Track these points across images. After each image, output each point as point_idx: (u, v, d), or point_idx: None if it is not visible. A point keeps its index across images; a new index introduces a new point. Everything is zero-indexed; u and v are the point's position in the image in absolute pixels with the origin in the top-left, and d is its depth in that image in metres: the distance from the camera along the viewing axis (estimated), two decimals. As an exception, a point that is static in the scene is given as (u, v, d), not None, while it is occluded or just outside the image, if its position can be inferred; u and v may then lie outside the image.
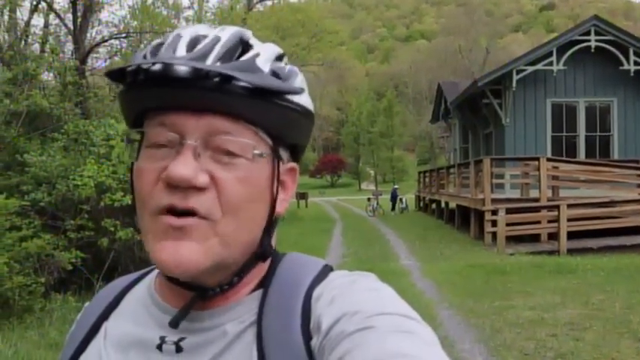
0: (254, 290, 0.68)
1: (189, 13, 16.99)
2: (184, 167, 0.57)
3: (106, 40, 12.81)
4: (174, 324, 0.64)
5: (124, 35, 12.85)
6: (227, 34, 0.63)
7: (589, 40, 14.31)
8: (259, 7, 25.21)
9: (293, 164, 0.70)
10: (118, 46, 13.25)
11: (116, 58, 13.13)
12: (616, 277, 7.96)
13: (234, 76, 0.58)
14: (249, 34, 0.65)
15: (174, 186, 0.58)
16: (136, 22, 13.03)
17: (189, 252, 0.58)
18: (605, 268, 8.68)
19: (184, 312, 0.64)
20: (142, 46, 11.53)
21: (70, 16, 11.93)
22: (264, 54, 0.63)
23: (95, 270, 7.43)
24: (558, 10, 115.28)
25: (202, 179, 0.58)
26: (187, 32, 0.63)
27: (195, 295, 0.64)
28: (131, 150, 0.66)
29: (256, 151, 0.61)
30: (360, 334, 0.54)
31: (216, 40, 0.61)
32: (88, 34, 12.36)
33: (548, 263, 9.19)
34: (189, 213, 0.59)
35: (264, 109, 0.61)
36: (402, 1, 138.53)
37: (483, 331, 5.66)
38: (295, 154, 0.70)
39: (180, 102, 0.59)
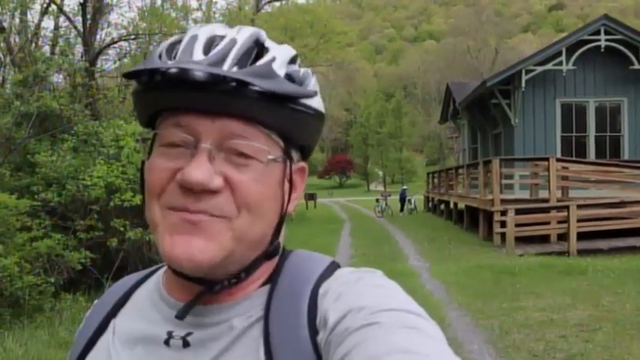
0: (262, 286, 0.68)
1: (198, 14, 17.06)
2: (199, 171, 0.58)
3: (115, 42, 12.89)
4: (180, 316, 0.64)
5: (132, 37, 12.92)
6: (243, 36, 0.63)
7: (599, 40, 14.20)
8: (267, 8, 25.28)
9: (303, 164, 0.71)
10: (127, 48, 13.33)
11: (125, 60, 13.20)
12: (626, 279, 7.89)
13: (250, 82, 0.58)
14: (264, 36, 0.65)
15: (189, 188, 0.59)
16: (144, 24, 13.09)
17: (201, 247, 0.59)
18: (616, 269, 8.61)
19: (191, 304, 0.65)
20: (151, 48, 11.59)
21: (79, 18, 12.02)
22: (280, 57, 0.63)
23: (104, 270, 7.47)
24: (568, 10, 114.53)
25: (217, 182, 0.59)
26: (203, 33, 0.63)
27: (203, 289, 0.65)
28: (143, 149, 0.66)
29: (270, 157, 0.62)
30: (366, 330, 0.54)
31: (233, 42, 0.61)
32: (98, 36, 12.44)
33: (557, 264, 9.12)
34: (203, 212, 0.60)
35: (279, 113, 0.62)
36: (410, 2, 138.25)
37: (492, 332, 5.64)
38: (304, 154, 0.71)
39: (196, 105, 0.60)
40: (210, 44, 0.62)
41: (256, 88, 0.59)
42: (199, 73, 0.57)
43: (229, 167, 0.61)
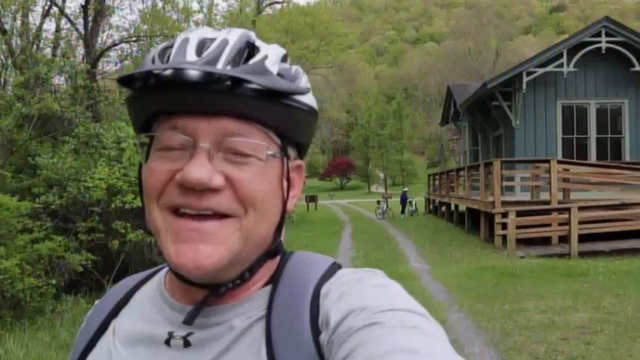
0: (263, 287, 0.68)
1: (199, 16, 17.09)
2: (200, 170, 0.58)
3: (117, 44, 12.93)
4: (188, 320, 0.64)
5: (134, 39, 12.95)
6: (234, 36, 0.63)
7: (600, 42, 14.20)
8: (268, 10, 25.33)
9: (300, 162, 0.71)
10: (129, 50, 13.37)
11: (127, 62, 13.23)
12: (628, 281, 7.88)
13: (246, 79, 0.59)
14: (254, 36, 0.66)
15: (189, 188, 0.59)
16: (146, 26, 13.11)
17: (208, 253, 0.59)
18: (617, 271, 8.60)
19: (198, 308, 0.65)
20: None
21: (81, 20, 12.06)
22: (272, 56, 0.64)
23: (105, 272, 7.48)
24: (569, 12, 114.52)
25: (218, 181, 0.59)
26: (195, 35, 0.64)
27: (208, 293, 0.65)
28: (141, 153, 0.67)
29: (269, 152, 0.63)
30: (368, 330, 0.54)
31: (225, 43, 0.62)
32: (99, 38, 12.49)
33: (559, 266, 9.12)
34: (206, 215, 0.60)
35: (274, 110, 0.62)
36: (411, 4, 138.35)
37: (493, 335, 5.63)
38: (301, 152, 0.72)
39: (192, 106, 0.60)
40: (202, 46, 0.62)
41: (253, 86, 0.59)
42: (194, 72, 0.57)
43: (229, 166, 0.61)
